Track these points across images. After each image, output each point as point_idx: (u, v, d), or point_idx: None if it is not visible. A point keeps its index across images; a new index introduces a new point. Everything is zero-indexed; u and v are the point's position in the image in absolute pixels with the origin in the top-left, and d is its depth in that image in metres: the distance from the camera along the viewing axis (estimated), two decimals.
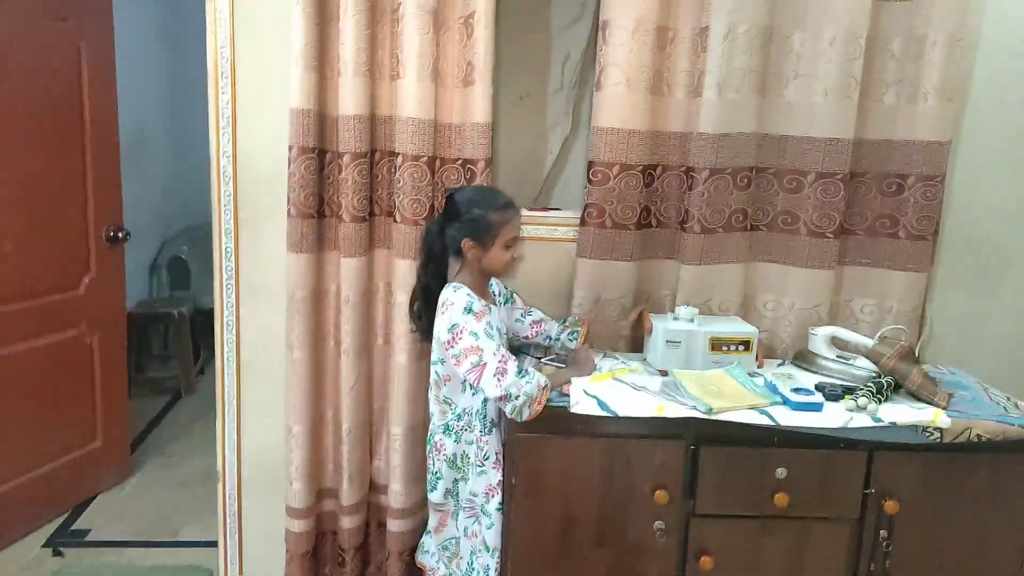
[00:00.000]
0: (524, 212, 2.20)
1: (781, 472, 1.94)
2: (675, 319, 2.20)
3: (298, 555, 2.31)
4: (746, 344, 2.17)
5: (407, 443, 2.29)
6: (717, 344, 2.15)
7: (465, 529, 2.07)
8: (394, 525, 2.35)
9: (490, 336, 1.90)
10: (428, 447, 2.11)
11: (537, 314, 2.32)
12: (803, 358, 2.32)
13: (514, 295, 2.30)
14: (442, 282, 2.04)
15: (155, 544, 3.06)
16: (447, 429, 2.04)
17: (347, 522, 2.34)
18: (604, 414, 1.90)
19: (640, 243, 2.34)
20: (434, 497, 2.08)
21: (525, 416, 1.88)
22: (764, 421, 1.90)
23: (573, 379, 2.03)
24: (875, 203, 2.35)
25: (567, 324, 2.32)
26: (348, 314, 2.23)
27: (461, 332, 1.89)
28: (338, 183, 2.19)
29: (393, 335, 2.29)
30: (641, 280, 2.40)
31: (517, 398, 1.85)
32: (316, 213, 2.19)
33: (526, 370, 1.92)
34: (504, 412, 1.89)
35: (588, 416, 1.90)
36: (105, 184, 3.28)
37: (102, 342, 3.36)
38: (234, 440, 2.43)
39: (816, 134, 2.25)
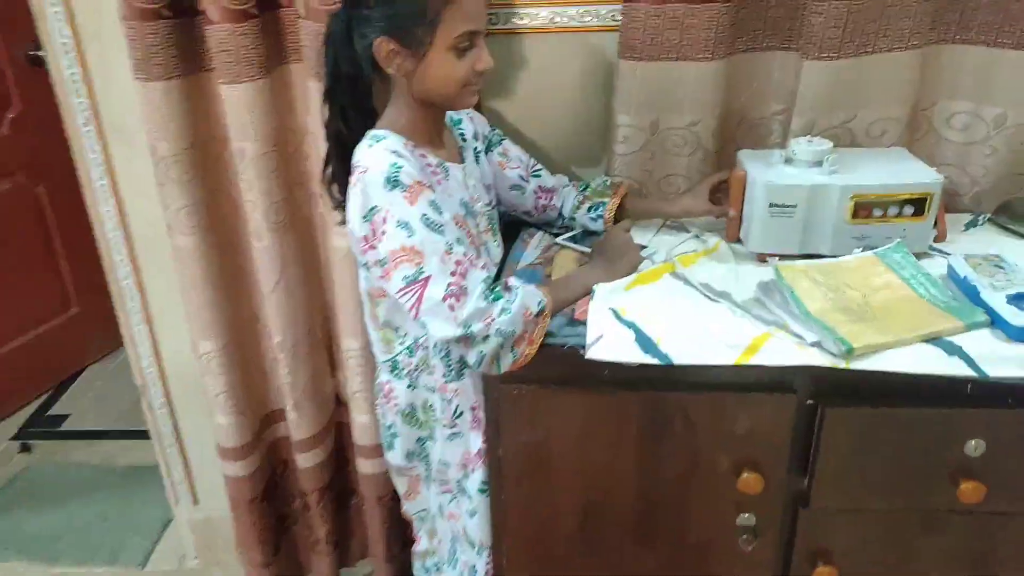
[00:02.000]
0: None
1: (974, 447, 1.07)
2: (787, 160, 1.25)
3: (243, 502, 1.70)
4: (919, 204, 1.21)
5: (368, 360, 1.53)
6: (864, 207, 1.20)
7: (440, 508, 1.35)
8: (364, 466, 1.68)
9: (435, 227, 1.05)
10: (375, 390, 1.35)
11: (545, 176, 1.41)
12: (1015, 213, 1.35)
13: (503, 139, 1.39)
14: (364, 124, 1.16)
15: (134, 434, 2.56)
16: (395, 368, 1.26)
17: (302, 460, 1.68)
18: (648, 359, 1.05)
19: (730, 26, 1.33)
20: (392, 459, 1.35)
21: (505, 366, 1.07)
22: (956, 369, 1.01)
23: (596, 287, 1.17)
24: None
25: (589, 191, 1.41)
26: (249, 175, 1.40)
27: (384, 221, 1.05)
28: None
29: (328, 206, 1.44)
30: (731, 93, 1.42)
31: (486, 339, 1.03)
32: (169, 7, 1.29)
33: (504, 282, 1.08)
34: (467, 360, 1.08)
35: (617, 365, 1.06)
36: None
37: (50, 190, 2.71)
38: (149, 349, 1.76)
39: None
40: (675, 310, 1.12)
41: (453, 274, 1.04)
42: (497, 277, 1.27)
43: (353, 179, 1.08)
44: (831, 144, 1.24)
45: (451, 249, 1.05)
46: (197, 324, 1.53)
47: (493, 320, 1.03)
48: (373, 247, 1.07)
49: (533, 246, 1.37)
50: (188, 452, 1.90)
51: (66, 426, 2.68)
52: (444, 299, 1.03)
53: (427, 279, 1.04)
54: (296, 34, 1.35)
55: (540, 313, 1.07)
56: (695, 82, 1.37)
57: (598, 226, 1.38)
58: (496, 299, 1.04)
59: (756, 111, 1.45)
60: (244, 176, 1.40)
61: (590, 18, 1.42)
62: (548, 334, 1.09)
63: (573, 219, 1.40)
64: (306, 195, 1.51)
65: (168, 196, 1.41)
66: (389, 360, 1.25)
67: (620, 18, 1.35)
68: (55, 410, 2.77)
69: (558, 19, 1.43)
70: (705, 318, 1.10)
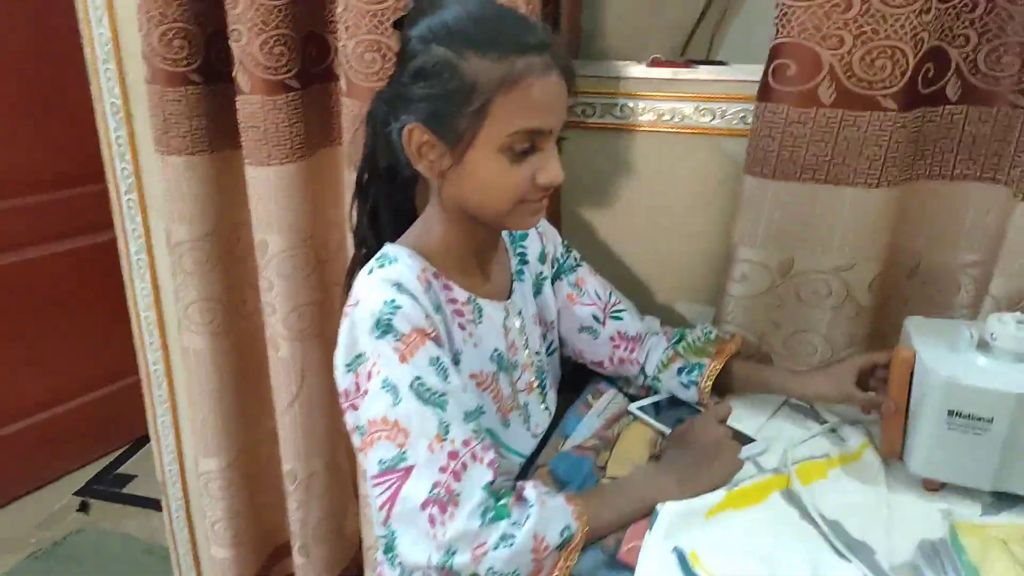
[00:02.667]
0: (634, 70, 1.00)
1: None
2: (982, 346, 0.84)
3: None
4: None
5: None
6: None
7: None
8: None
9: (430, 397, 0.73)
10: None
11: (629, 319, 1.06)
12: None
13: (579, 264, 1.06)
14: (397, 232, 0.88)
15: None
16: (389, 549, 0.94)
17: None
18: None
19: (908, 143, 0.96)
20: None
21: None
22: None
23: (661, 506, 0.79)
24: None
25: (683, 346, 1.04)
26: (270, 273, 1.16)
27: (368, 376, 0.75)
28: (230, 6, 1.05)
29: None
30: (903, 231, 1.02)
31: None
32: (200, 71, 1.09)
33: (517, 490, 0.74)
34: None
35: None
36: None
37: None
38: (172, 446, 1.55)
39: None
40: (780, 562, 0.73)
41: (444, 470, 0.71)
42: (537, 453, 0.94)
43: (345, 311, 0.80)
44: None
45: (447, 432, 0.73)
46: (199, 437, 1.29)
47: (486, 553, 0.69)
48: (354, 406, 0.77)
49: (598, 411, 1.02)
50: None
51: (128, 488, 2.56)
52: (424, 506, 0.70)
53: (408, 470, 0.72)
54: (335, 110, 1.11)
55: (564, 545, 0.72)
56: (851, 212, 0.99)
57: (690, 396, 1.00)
58: (498, 518, 0.70)
59: (938, 258, 1.04)
60: (265, 274, 1.16)
61: (711, 118, 1.09)
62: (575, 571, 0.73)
63: (658, 380, 1.04)
64: (339, 301, 1.25)
65: (180, 288, 1.20)
66: (385, 536, 0.93)
67: (751, 121, 1.01)
68: (124, 469, 2.67)
69: (668, 117, 1.10)
70: None
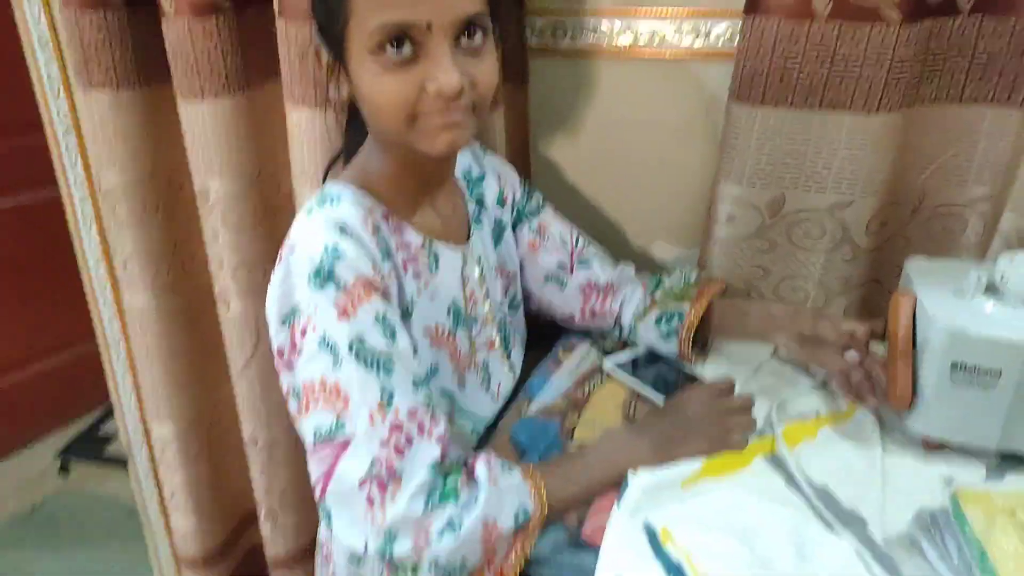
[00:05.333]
0: None
1: None
2: (991, 289, 0.74)
3: None
4: None
5: None
6: None
7: None
8: None
9: (372, 360, 0.65)
10: (316, 546, 0.95)
11: (599, 266, 0.96)
12: None
13: (542, 207, 0.96)
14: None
15: None
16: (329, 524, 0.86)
17: None
18: None
19: (912, 62, 0.85)
20: None
21: None
22: None
23: (632, 474, 0.71)
24: None
25: (661, 291, 0.94)
26: (214, 222, 1.06)
27: (303, 333, 0.66)
28: None
29: None
30: (906, 163, 0.92)
31: (415, 571, 0.61)
32: None
33: (468, 464, 0.66)
34: None
35: None
36: None
37: None
38: (134, 408, 1.46)
39: None
40: (761, 537, 0.65)
41: (385, 444, 0.63)
42: (500, 418, 0.85)
43: (279, 255, 0.70)
44: None
45: (390, 401, 0.64)
46: (150, 404, 1.20)
47: (429, 541, 0.61)
48: (289, 366, 0.68)
49: (569, 368, 0.93)
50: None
51: (110, 449, 2.51)
52: (362, 484, 0.62)
53: (345, 443, 0.64)
54: (270, 39, 0.98)
55: (520, 529, 0.64)
56: (849, 142, 0.89)
57: (670, 348, 0.91)
58: (445, 500, 0.62)
59: (943, 194, 0.93)
60: (209, 222, 1.06)
61: (694, 38, 0.97)
62: (532, 563, 0.65)
63: (635, 332, 0.94)
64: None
65: (115, 241, 1.10)
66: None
67: (737, 39, 0.90)
68: (105, 430, 2.61)
69: (647, 39, 0.99)
70: (814, 565, 0.62)
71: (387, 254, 0.71)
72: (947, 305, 0.73)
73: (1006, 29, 0.84)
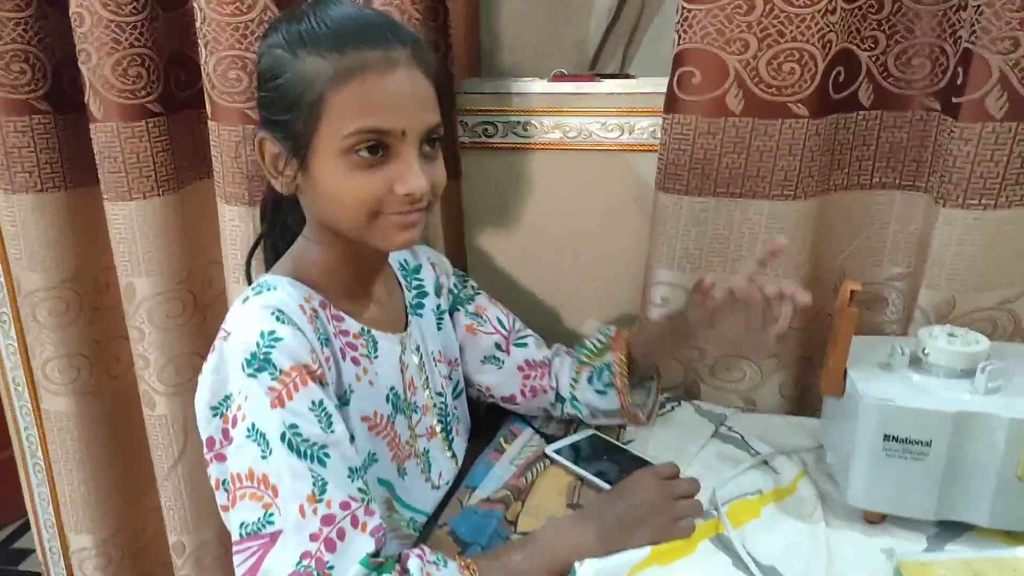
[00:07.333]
0: (536, 86, 0.96)
1: None
2: (915, 363, 0.77)
3: None
4: None
5: None
6: None
7: None
8: None
9: (305, 450, 0.63)
10: None
11: (534, 343, 0.96)
12: None
13: (477, 293, 0.97)
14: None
15: None
16: None
17: None
18: None
19: (823, 152, 0.91)
20: None
21: None
22: None
23: (580, 565, 0.69)
24: None
25: (585, 353, 0.95)
26: (143, 322, 1.03)
27: (234, 422, 0.63)
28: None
29: None
30: (824, 246, 0.97)
31: None
32: (46, 100, 0.97)
33: (399, 556, 0.64)
34: None
35: None
36: None
37: None
38: (52, 524, 1.37)
39: None
40: None
41: (315, 538, 0.60)
42: (442, 509, 0.83)
43: (213, 346, 0.68)
44: (987, 342, 0.76)
45: (323, 492, 0.62)
46: (68, 514, 1.13)
47: None
48: (219, 457, 0.65)
49: (510, 456, 0.91)
50: None
51: (25, 565, 2.32)
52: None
53: (274, 536, 0.61)
54: (201, 137, 1.00)
55: None
56: (769, 227, 0.93)
57: (610, 403, 0.91)
58: None
59: (862, 274, 0.98)
60: (134, 322, 1.03)
61: (619, 134, 1.02)
62: None
63: (576, 400, 0.94)
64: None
65: (35, 344, 1.05)
66: None
67: (663, 133, 0.94)
68: (20, 543, 2.42)
69: (575, 134, 1.03)
70: None
71: (325, 341, 0.70)
72: (875, 378, 0.75)
73: (905, 121, 0.91)
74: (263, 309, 0.66)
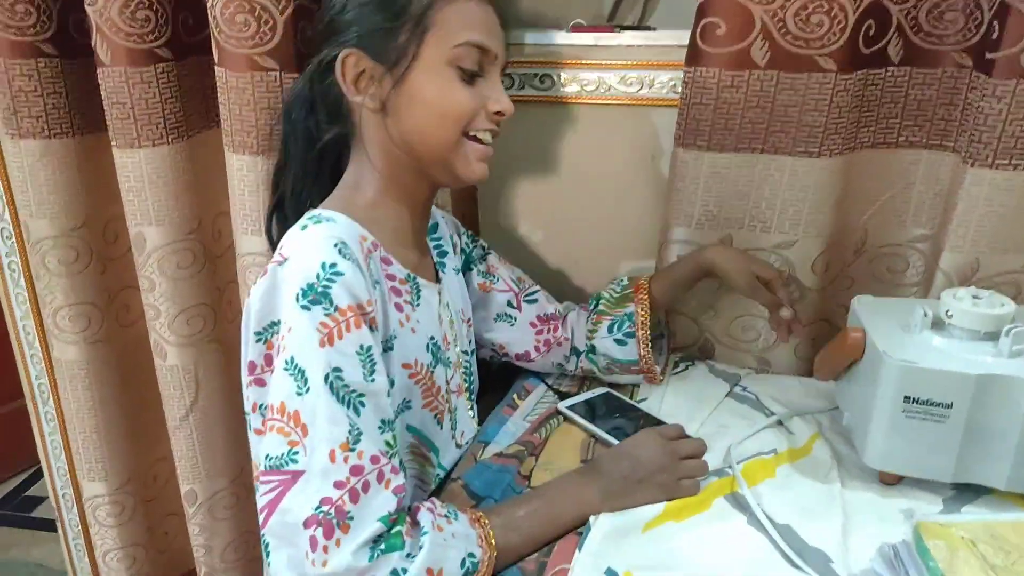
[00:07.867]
0: (553, 37, 0.96)
1: None
2: (937, 324, 0.76)
3: None
4: None
5: None
6: None
7: None
8: None
9: (345, 395, 0.62)
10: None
11: (544, 299, 0.96)
12: None
13: (488, 252, 0.96)
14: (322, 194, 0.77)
15: None
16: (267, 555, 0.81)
17: None
18: None
19: (851, 108, 0.88)
20: None
21: None
22: None
23: (595, 519, 0.69)
24: None
25: (603, 303, 0.94)
26: (154, 273, 1.02)
27: (279, 350, 0.63)
28: None
29: None
30: (847, 205, 0.95)
31: None
32: (51, 44, 0.95)
33: (411, 513, 0.63)
34: None
35: None
36: None
37: None
38: (64, 466, 1.38)
39: None
40: None
41: (341, 486, 0.60)
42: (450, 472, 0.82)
43: (265, 268, 0.66)
44: (1012, 305, 0.75)
45: (356, 442, 0.61)
46: (81, 462, 1.14)
47: None
48: (259, 382, 0.65)
49: (523, 412, 0.91)
50: None
51: (37, 512, 2.35)
52: (308, 524, 0.59)
53: (296, 475, 0.60)
54: (209, 85, 0.97)
55: (469, 575, 0.61)
56: (790, 186, 0.91)
57: (629, 354, 0.91)
58: (389, 550, 0.59)
59: (885, 235, 0.96)
60: (144, 272, 1.02)
61: (638, 88, 0.99)
62: None
63: (592, 351, 0.94)
64: (229, 300, 1.11)
65: (45, 292, 1.04)
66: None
67: (683, 86, 0.92)
68: (32, 491, 2.45)
69: (593, 87, 1.00)
70: None
71: (376, 283, 0.69)
72: (896, 340, 0.74)
73: (934, 78, 0.88)
74: (327, 240, 0.64)
